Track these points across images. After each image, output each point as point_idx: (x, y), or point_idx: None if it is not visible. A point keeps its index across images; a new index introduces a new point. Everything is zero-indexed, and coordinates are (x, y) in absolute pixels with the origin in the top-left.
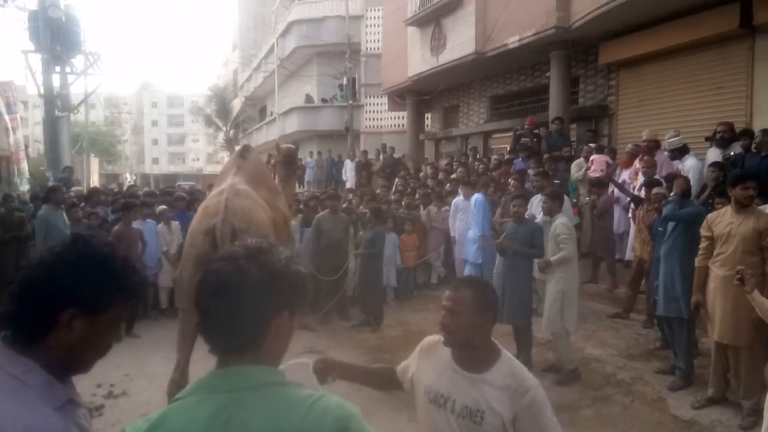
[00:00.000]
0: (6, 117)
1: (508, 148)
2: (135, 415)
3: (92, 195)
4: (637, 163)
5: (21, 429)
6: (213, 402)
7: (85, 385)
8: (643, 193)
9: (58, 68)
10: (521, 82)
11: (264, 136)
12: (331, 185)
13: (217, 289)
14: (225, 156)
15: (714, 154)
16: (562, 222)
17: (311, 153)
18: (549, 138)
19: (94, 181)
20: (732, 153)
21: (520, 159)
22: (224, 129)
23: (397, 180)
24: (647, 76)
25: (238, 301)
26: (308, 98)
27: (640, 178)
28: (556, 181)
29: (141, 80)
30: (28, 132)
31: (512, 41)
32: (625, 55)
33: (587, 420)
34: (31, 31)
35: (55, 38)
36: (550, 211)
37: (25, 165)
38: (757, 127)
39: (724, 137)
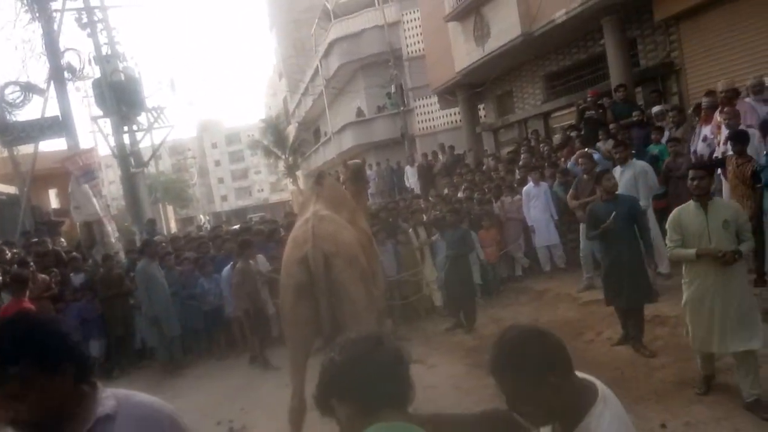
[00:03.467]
0: (91, 183)
1: (571, 125)
2: None
3: (173, 242)
4: (717, 117)
5: None
6: None
7: (205, 423)
8: (729, 148)
9: (126, 128)
10: (575, 56)
11: (321, 157)
12: (395, 194)
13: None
14: (288, 183)
15: None
16: (734, 206)
17: (370, 165)
18: (614, 107)
19: (172, 227)
20: None
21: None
22: (283, 157)
23: (455, 178)
24: (710, 24)
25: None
26: (359, 112)
27: (724, 132)
28: (633, 151)
29: (198, 122)
30: (105, 191)
31: (559, 15)
32: (683, 6)
33: None
34: (97, 97)
35: (119, 101)
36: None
37: (113, 225)
38: None
39: None
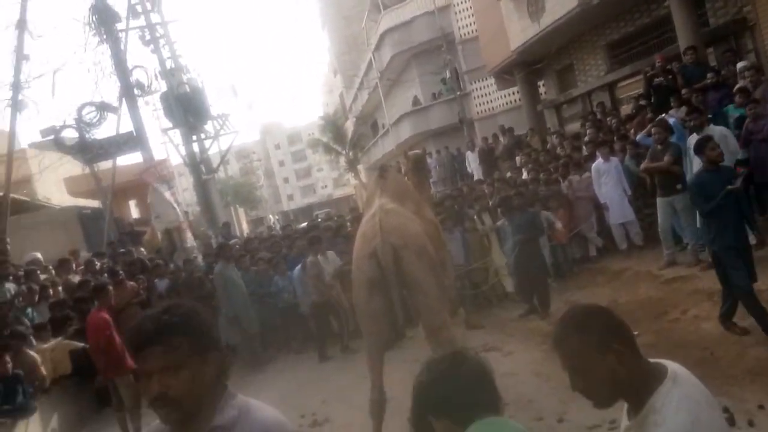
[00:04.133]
0: (167, 192)
1: (640, 94)
2: None
3: (247, 243)
4: None
5: None
6: None
7: (289, 416)
8: None
9: (194, 137)
10: (638, 21)
11: (381, 149)
12: (458, 181)
13: None
14: (350, 178)
15: None
16: None
17: (430, 153)
18: (684, 71)
19: (245, 229)
20: None
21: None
22: (343, 152)
23: (518, 160)
24: None
25: None
26: (415, 101)
27: None
28: (709, 116)
29: (260, 125)
30: (180, 198)
31: None
32: None
33: None
34: (165, 110)
35: (186, 112)
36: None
37: (190, 230)
38: None
39: None
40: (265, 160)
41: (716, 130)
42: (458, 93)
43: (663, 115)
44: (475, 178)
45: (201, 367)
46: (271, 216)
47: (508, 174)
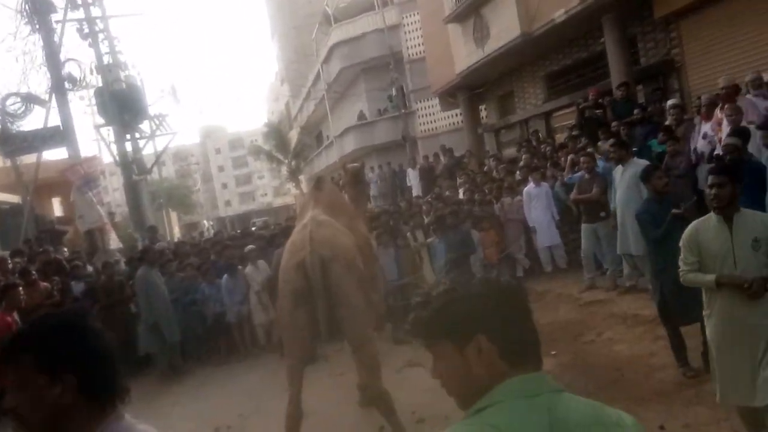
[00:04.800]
0: (91, 192)
1: (574, 124)
2: None
3: (179, 247)
4: (718, 113)
5: None
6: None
7: (202, 429)
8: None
9: (128, 135)
10: (575, 54)
11: (324, 161)
12: (398, 196)
13: None
14: (291, 187)
15: None
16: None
17: (372, 168)
18: (614, 105)
19: (176, 233)
20: None
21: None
22: (285, 161)
23: (458, 179)
24: (710, 21)
25: None
26: (361, 115)
27: (725, 128)
28: (633, 149)
29: (201, 128)
30: (109, 198)
31: (558, 15)
32: (683, 3)
33: None
34: (99, 106)
35: (121, 109)
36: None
37: (114, 232)
38: None
39: None
40: (204, 164)
41: (640, 164)
42: (403, 111)
43: (588, 149)
44: (414, 194)
45: (48, 388)
46: (205, 221)
47: (446, 192)
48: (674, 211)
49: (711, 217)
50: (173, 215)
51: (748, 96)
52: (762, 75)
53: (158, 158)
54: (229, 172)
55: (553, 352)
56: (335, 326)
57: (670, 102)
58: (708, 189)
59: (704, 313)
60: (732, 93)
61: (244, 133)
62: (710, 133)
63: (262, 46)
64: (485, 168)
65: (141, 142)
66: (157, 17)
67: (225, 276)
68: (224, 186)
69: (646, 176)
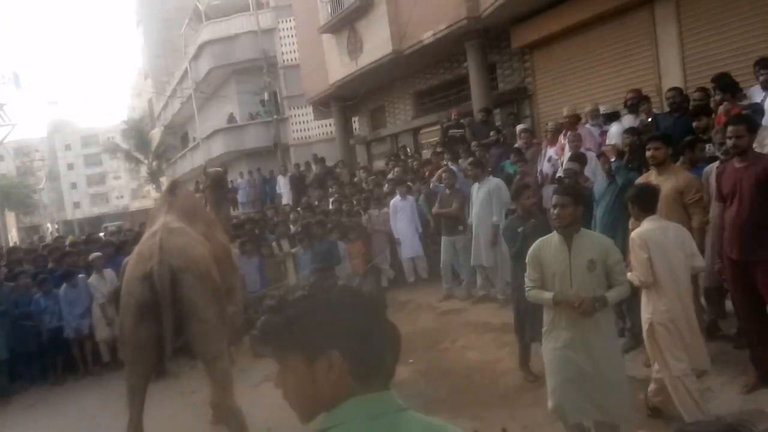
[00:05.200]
0: None
1: (437, 141)
2: None
3: (11, 253)
4: (562, 139)
5: None
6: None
7: None
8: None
9: None
10: (442, 75)
11: (189, 163)
12: (267, 204)
13: None
14: (151, 190)
15: (629, 121)
16: (604, 242)
17: (241, 173)
18: (473, 127)
19: (13, 236)
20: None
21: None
22: (146, 162)
23: (330, 189)
24: (558, 54)
25: None
26: (231, 118)
27: (567, 153)
28: (489, 169)
29: (50, 122)
30: None
31: (427, 36)
32: (535, 36)
33: None
34: None
35: None
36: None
37: None
38: (667, 87)
39: (634, 103)
40: (50, 161)
41: (493, 182)
42: (275, 117)
43: (448, 165)
44: (284, 202)
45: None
46: (49, 224)
47: (316, 202)
48: (519, 229)
49: (554, 236)
50: (11, 216)
51: (587, 125)
52: (599, 107)
53: None
54: (80, 171)
55: (410, 360)
56: (183, 342)
57: (519, 127)
58: (552, 208)
59: (543, 330)
60: (574, 121)
61: (99, 129)
62: (554, 157)
63: (125, 36)
64: (355, 179)
65: None
66: None
67: (64, 286)
68: (73, 186)
69: (515, 194)
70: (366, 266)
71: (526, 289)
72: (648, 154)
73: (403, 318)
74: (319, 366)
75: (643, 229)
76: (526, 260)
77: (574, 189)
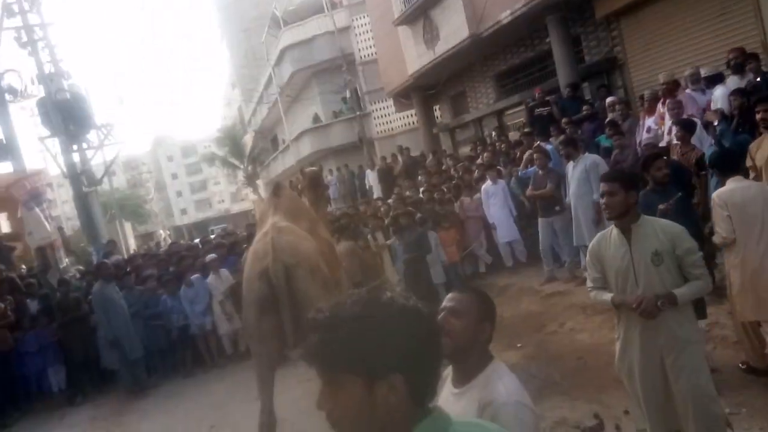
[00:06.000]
0: (38, 208)
1: (523, 122)
2: None
3: (132, 261)
4: (660, 108)
5: None
6: None
7: None
8: (673, 137)
9: (75, 146)
10: (522, 54)
11: (281, 164)
12: (357, 198)
13: None
14: (249, 192)
15: (734, 82)
16: (671, 230)
17: (330, 170)
18: (561, 103)
19: (131, 245)
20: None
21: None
22: (241, 167)
23: (419, 179)
24: (649, 18)
25: None
26: (316, 118)
27: (667, 122)
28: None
29: (153, 137)
30: (59, 212)
31: (505, 16)
32: (621, 3)
33: None
34: (42, 117)
35: (66, 119)
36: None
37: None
38: None
39: (738, 63)
40: (156, 173)
41: (590, 158)
42: (358, 113)
43: (539, 143)
44: (375, 196)
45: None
46: (161, 231)
47: (407, 193)
48: (660, 206)
49: (612, 229)
50: (128, 226)
51: (687, 90)
52: (699, 70)
53: (108, 168)
54: (183, 180)
55: (518, 344)
56: (302, 333)
57: (609, 99)
58: (600, 198)
59: (616, 336)
60: (672, 88)
61: (196, 140)
62: (654, 127)
63: (213, 50)
64: (443, 167)
65: (89, 153)
66: (100, 23)
67: (182, 286)
68: (179, 194)
69: (644, 166)
70: (461, 253)
71: (588, 289)
72: (758, 116)
73: (505, 302)
74: (378, 389)
75: (725, 189)
76: (586, 258)
77: (623, 173)
